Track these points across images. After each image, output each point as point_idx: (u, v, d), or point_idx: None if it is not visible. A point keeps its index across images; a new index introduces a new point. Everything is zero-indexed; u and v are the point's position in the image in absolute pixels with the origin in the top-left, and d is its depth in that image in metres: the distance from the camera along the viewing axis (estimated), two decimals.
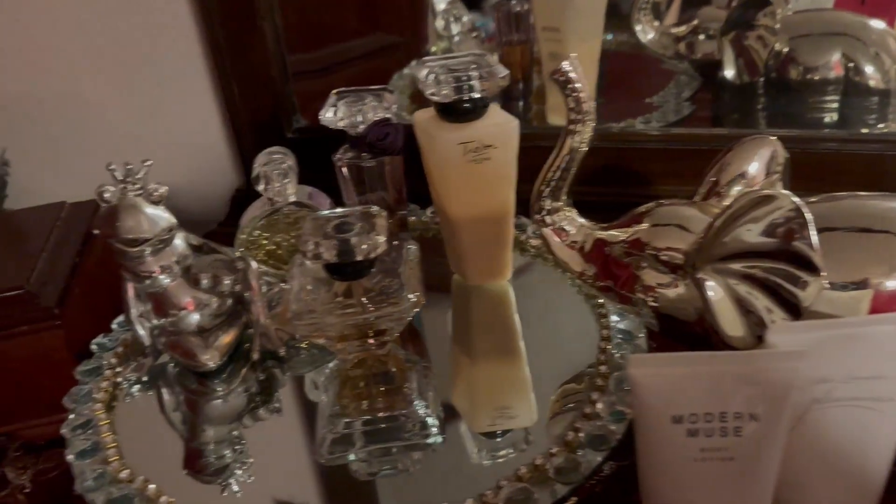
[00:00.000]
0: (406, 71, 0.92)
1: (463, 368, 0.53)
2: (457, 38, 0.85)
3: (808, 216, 0.39)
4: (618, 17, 0.87)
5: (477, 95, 0.49)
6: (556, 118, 0.82)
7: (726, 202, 0.47)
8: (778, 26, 0.71)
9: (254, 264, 0.53)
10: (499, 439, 0.46)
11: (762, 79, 0.74)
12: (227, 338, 0.53)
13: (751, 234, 0.41)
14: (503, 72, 0.49)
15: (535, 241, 0.61)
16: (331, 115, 0.51)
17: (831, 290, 0.41)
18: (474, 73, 0.49)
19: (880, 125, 0.70)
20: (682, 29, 0.78)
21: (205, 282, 0.51)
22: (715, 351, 0.42)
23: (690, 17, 0.78)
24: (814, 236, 0.39)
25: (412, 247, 0.52)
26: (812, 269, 0.39)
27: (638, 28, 0.80)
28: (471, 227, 0.54)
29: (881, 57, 0.70)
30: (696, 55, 0.78)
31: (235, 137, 0.79)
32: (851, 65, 0.71)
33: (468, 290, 0.58)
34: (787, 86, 0.73)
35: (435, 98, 0.50)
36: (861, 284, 0.41)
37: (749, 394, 0.35)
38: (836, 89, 0.72)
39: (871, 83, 0.71)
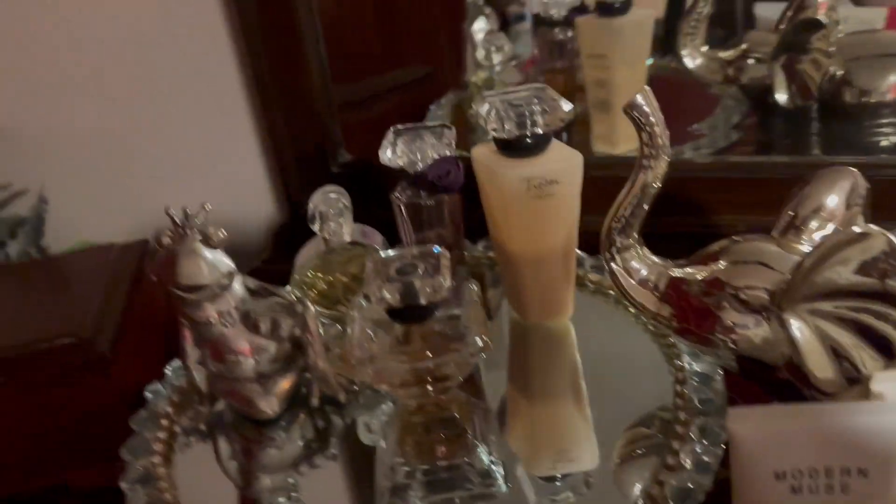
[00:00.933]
0: (443, 101, 0.91)
1: (521, 409, 0.52)
2: (498, 68, 0.84)
3: None
4: (659, 40, 0.86)
5: (540, 131, 0.48)
6: (602, 146, 0.81)
7: (805, 236, 0.45)
8: (832, 49, 0.69)
9: (312, 308, 0.51)
10: (558, 483, 0.44)
11: (815, 103, 0.72)
12: (285, 383, 0.51)
13: (843, 273, 0.39)
14: (567, 106, 0.48)
15: (594, 277, 0.59)
16: (390, 154, 0.50)
17: None
18: (536, 108, 0.48)
19: None
20: (731, 53, 0.77)
21: (264, 326, 0.50)
22: (804, 398, 0.40)
23: (738, 41, 0.77)
24: None
25: (472, 286, 0.51)
26: None
27: (684, 53, 0.78)
28: (532, 264, 0.52)
29: None
30: (745, 80, 0.76)
31: (279, 172, 0.78)
32: None
33: (527, 328, 0.56)
34: (841, 110, 0.71)
35: (498, 135, 0.48)
36: None
37: (857, 448, 0.33)
38: (894, 112, 0.70)
39: None
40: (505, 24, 0.96)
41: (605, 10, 0.75)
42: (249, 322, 0.50)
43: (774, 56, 0.72)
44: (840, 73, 0.70)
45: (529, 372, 0.54)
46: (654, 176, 0.44)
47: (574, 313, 0.56)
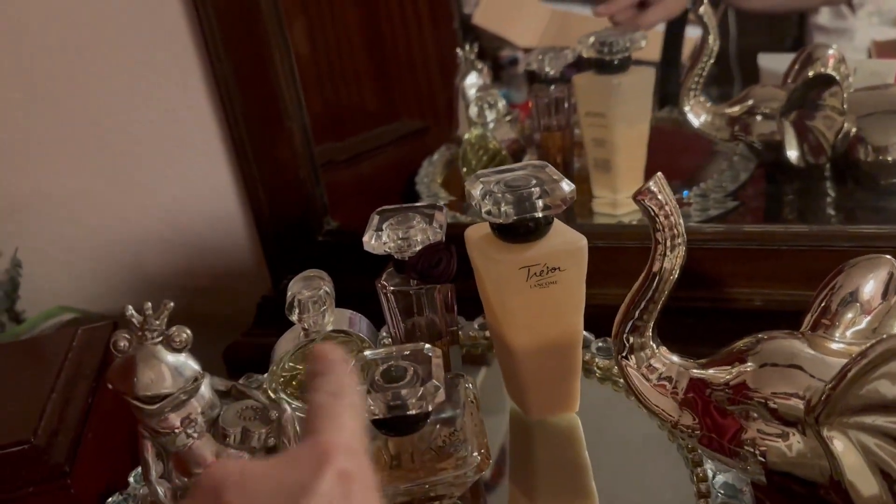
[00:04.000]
0: (436, 156, 0.88)
1: None
2: (491, 125, 0.80)
3: None
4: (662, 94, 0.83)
5: (539, 215, 0.43)
6: (602, 207, 0.77)
7: (838, 332, 0.40)
8: (846, 106, 0.65)
9: (289, 409, 0.46)
10: None
11: (828, 161, 0.68)
12: None
13: (891, 385, 0.34)
14: (568, 187, 0.43)
15: (602, 362, 0.54)
16: (374, 241, 0.45)
17: None
18: (535, 190, 0.43)
19: None
20: (737, 109, 0.73)
21: (233, 436, 0.44)
22: None
23: (744, 96, 0.73)
24: None
25: (468, 385, 0.46)
26: None
27: (687, 110, 0.74)
28: (534, 357, 0.47)
29: None
30: (753, 137, 0.73)
31: (262, 242, 0.73)
32: None
33: (530, 424, 0.51)
34: (856, 168, 0.68)
35: (494, 219, 0.43)
36: None
37: None
38: None
39: None
40: (498, 67, 0.93)
41: (603, 68, 0.72)
42: (217, 431, 0.44)
43: (784, 113, 0.68)
44: (853, 129, 0.66)
45: (533, 473, 0.49)
46: (671, 268, 0.39)
47: (581, 405, 0.51)
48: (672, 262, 0.39)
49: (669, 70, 0.84)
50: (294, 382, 0.51)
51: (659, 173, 0.38)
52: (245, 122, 0.66)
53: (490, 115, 0.80)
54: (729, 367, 0.40)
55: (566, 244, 0.44)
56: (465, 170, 0.82)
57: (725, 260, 0.62)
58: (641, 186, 0.38)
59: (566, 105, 0.78)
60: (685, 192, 0.72)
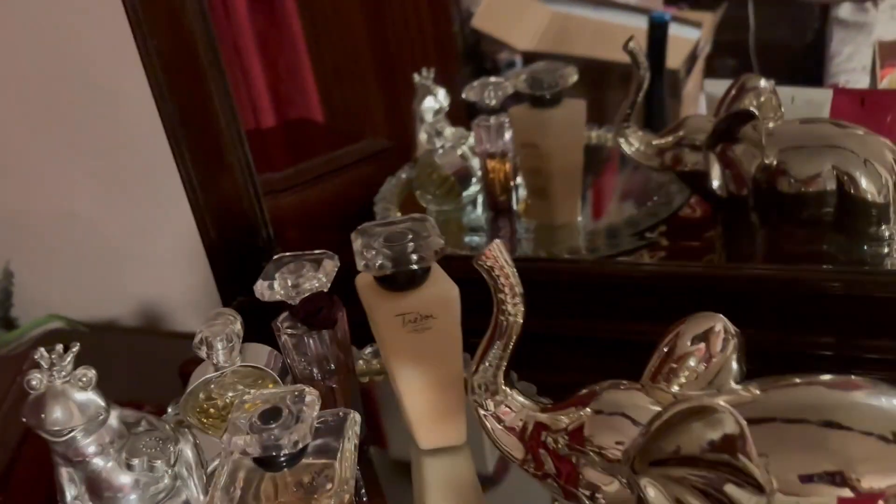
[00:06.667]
0: (395, 180, 0.91)
1: None
2: (440, 152, 0.84)
3: (747, 434, 0.35)
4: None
5: (414, 267, 0.47)
6: (546, 234, 0.79)
7: (676, 383, 0.43)
8: (763, 140, 0.67)
9: (191, 440, 0.51)
10: None
11: (749, 192, 0.70)
12: None
13: (689, 444, 0.37)
14: (439, 243, 0.47)
15: None
16: (266, 288, 0.49)
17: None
18: (410, 245, 0.47)
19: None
20: (667, 140, 0.75)
21: (139, 466, 0.49)
22: None
23: (676, 127, 0.75)
24: (754, 453, 0.35)
25: (356, 417, 0.50)
26: (757, 487, 0.36)
27: (621, 140, 0.77)
28: (419, 394, 0.51)
29: (875, 168, 0.66)
30: (684, 167, 0.75)
31: (212, 267, 0.78)
32: (846, 177, 0.67)
33: (425, 452, 0.55)
34: (778, 199, 0.69)
35: (369, 271, 0.47)
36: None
37: None
38: (830, 202, 0.68)
39: (868, 196, 0.67)
40: (496, 70, 0.95)
41: (536, 102, 0.75)
42: (123, 459, 0.49)
43: (709, 145, 0.71)
44: (774, 162, 0.68)
45: (432, 495, 0.53)
46: (513, 321, 0.42)
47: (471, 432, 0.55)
48: (514, 316, 0.42)
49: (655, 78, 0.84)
50: (208, 411, 0.56)
51: (497, 241, 0.41)
52: (191, 158, 0.70)
53: (438, 142, 0.83)
54: (573, 410, 0.43)
55: (437, 294, 0.48)
56: (419, 192, 0.85)
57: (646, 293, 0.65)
58: (480, 252, 0.41)
59: (506, 134, 0.80)
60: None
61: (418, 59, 0.89)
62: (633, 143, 0.76)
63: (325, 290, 0.49)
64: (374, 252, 0.47)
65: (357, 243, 0.49)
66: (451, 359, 0.50)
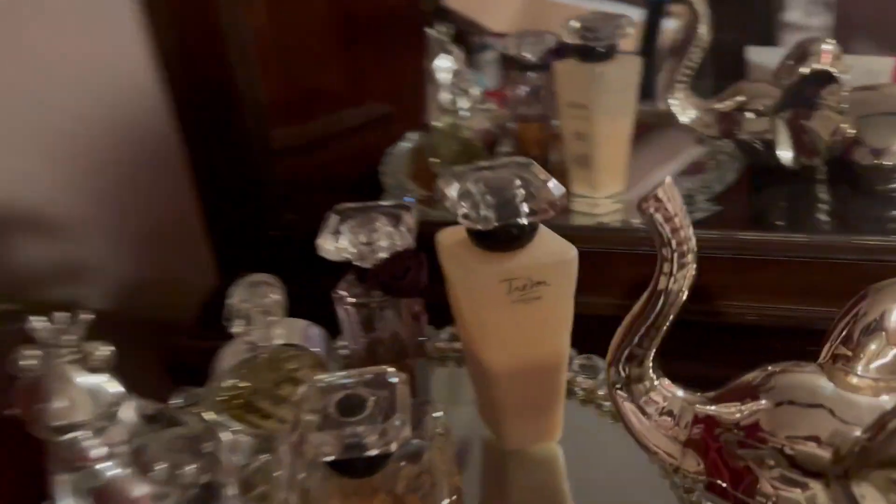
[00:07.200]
0: (402, 146, 0.81)
1: None
2: (465, 114, 0.74)
3: None
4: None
5: (524, 221, 0.37)
6: (581, 207, 0.71)
7: (860, 365, 0.35)
8: (846, 106, 0.61)
9: (226, 438, 0.40)
10: None
11: (822, 163, 0.64)
12: None
13: None
14: (558, 190, 0.38)
15: (585, 382, 0.49)
16: (332, 244, 0.39)
17: None
18: (520, 192, 0.37)
19: None
20: (726, 105, 0.68)
21: (159, 471, 0.38)
22: None
23: (733, 92, 0.68)
24: None
25: (436, 414, 0.40)
26: None
27: (673, 104, 0.69)
28: (513, 380, 0.42)
29: None
30: (743, 135, 0.68)
31: (210, 233, 0.66)
32: None
33: (505, 454, 0.45)
34: (851, 171, 0.63)
35: (472, 225, 0.37)
36: None
37: None
38: None
39: None
40: (468, 52, 0.87)
41: (587, 55, 0.66)
42: (142, 463, 0.38)
43: (777, 110, 0.64)
44: (851, 131, 0.62)
45: None
46: (678, 289, 0.34)
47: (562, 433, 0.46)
48: (680, 282, 0.33)
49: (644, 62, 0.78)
50: (237, 402, 0.45)
51: (668, 178, 0.32)
52: (193, 99, 0.58)
53: (463, 103, 0.74)
54: (739, 404, 0.34)
55: (553, 255, 0.39)
56: (435, 161, 0.76)
57: (715, 270, 0.57)
58: (647, 192, 0.32)
59: (545, 94, 0.72)
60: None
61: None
62: (687, 108, 0.69)
63: (412, 247, 0.39)
64: (474, 202, 0.37)
65: (451, 189, 0.38)
66: (559, 336, 0.41)
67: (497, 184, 0.38)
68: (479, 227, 0.37)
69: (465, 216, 0.38)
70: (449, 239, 0.41)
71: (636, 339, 0.35)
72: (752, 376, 0.36)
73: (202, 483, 0.39)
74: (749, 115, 0.67)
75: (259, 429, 0.46)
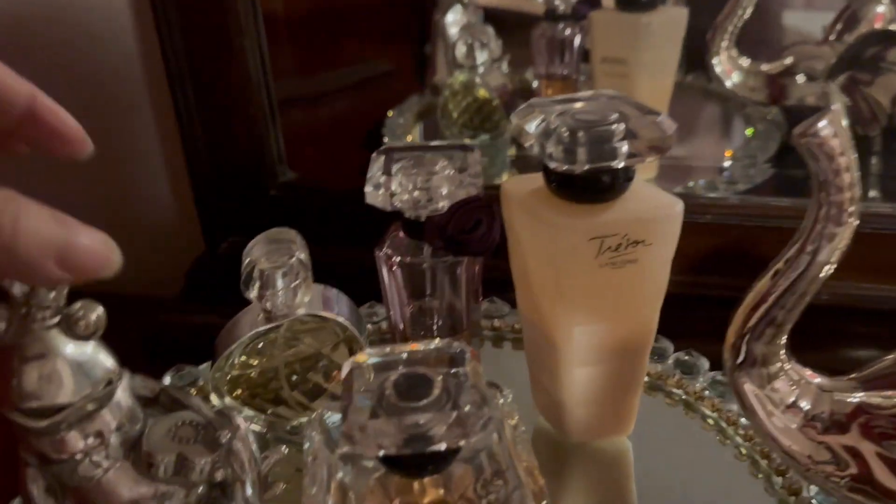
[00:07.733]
0: (405, 106, 0.74)
1: None
2: (482, 69, 0.67)
3: None
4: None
5: (621, 164, 0.30)
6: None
7: None
8: None
9: (243, 425, 0.32)
10: None
11: (880, 132, 0.59)
12: None
13: None
14: (670, 127, 0.31)
15: (652, 368, 0.42)
16: (381, 190, 0.31)
17: None
18: (619, 129, 0.30)
19: None
20: (776, 66, 0.62)
21: (163, 466, 0.30)
22: None
23: (779, 54, 0.63)
24: None
25: (504, 396, 0.33)
26: None
27: (717, 65, 0.63)
28: (589, 362, 0.34)
29: None
30: (791, 100, 0.62)
31: (194, 191, 0.57)
32: None
33: (567, 449, 0.38)
34: None
35: (559, 167, 0.30)
36: None
37: None
38: None
39: None
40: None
41: (629, 4, 0.59)
42: (139, 457, 0.30)
43: (831, 74, 0.58)
44: None
45: None
46: (834, 248, 0.27)
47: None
48: (837, 241, 0.27)
49: None
50: (243, 382, 0.37)
51: (836, 105, 0.25)
52: (181, 32, 0.50)
53: (481, 57, 0.66)
54: (892, 394, 0.28)
55: (657, 209, 0.32)
56: (445, 121, 0.69)
57: (773, 241, 0.51)
58: (808, 122, 0.25)
59: (575, 48, 0.65)
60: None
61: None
62: (733, 70, 0.63)
63: (481, 196, 0.32)
64: (561, 139, 0.30)
65: (532, 123, 0.31)
66: (651, 309, 0.34)
67: (590, 119, 0.31)
68: (567, 170, 0.30)
69: (551, 156, 0.30)
70: (518, 188, 0.33)
71: (770, 312, 0.28)
72: (893, 358, 0.29)
73: (215, 482, 0.31)
74: (798, 79, 0.61)
75: (271, 416, 0.38)
